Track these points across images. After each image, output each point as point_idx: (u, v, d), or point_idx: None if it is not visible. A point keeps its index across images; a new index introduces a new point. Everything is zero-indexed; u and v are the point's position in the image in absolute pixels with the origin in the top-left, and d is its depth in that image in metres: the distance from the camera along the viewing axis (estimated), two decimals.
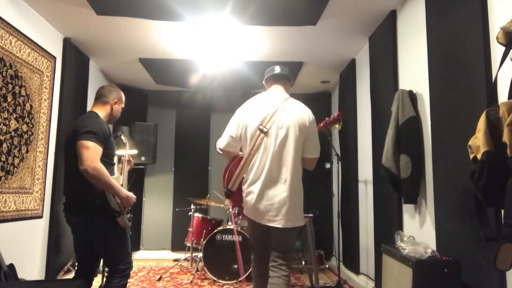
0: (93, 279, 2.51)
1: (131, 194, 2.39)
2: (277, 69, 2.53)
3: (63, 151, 2.48)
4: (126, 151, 2.71)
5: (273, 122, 2.30)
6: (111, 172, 2.37)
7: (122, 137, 2.78)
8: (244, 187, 2.39)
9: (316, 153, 2.40)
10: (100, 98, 2.52)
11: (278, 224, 2.26)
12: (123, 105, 2.63)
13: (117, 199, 2.31)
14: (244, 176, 2.39)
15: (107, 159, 2.34)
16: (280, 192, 2.26)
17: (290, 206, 2.26)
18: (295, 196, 2.29)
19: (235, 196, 2.43)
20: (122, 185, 2.45)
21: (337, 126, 2.93)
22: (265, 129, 2.29)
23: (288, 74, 2.56)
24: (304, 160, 2.38)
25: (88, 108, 4.61)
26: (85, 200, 2.30)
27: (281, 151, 2.28)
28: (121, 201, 2.33)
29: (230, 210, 4.75)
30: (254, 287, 2.53)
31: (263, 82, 2.62)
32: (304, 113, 2.36)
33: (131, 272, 2.48)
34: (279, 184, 2.27)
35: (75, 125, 2.34)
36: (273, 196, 2.26)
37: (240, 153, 2.48)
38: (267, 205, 2.27)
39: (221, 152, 2.53)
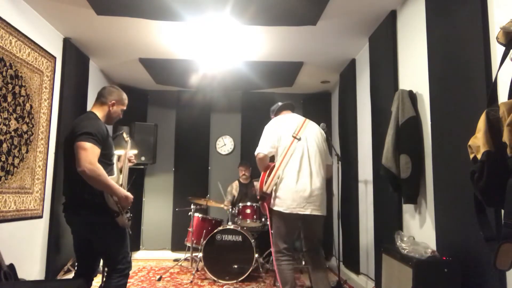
0: (92, 279, 2.51)
1: (129, 194, 2.38)
2: (283, 102, 3.25)
3: (62, 152, 2.48)
4: (127, 150, 2.70)
5: (302, 133, 2.91)
6: (110, 172, 2.37)
7: (124, 135, 2.78)
8: (287, 183, 2.78)
9: (331, 160, 3.11)
10: (99, 98, 2.51)
11: (321, 212, 2.81)
12: (123, 107, 2.58)
13: (115, 198, 2.31)
14: (279, 176, 2.82)
15: (105, 159, 2.34)
16: (320, 185, 2.81)
17: (324, 197, 2.85)
18: (324, 189, 2.87)
19: (270, 198, 2.88)
20: (121, 184, 2.45)
21: None
22: (298, 137, 2.87)
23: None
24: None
25: (88, 108, 4.63)
26: (84, 200, 2.29)
27: (315, 154, 2.87)
28: (119, 201, 2.32)
29: (230, 210, 4.76)
30: (285, 281, 2.75)
31: (273, 115, 3.21)
32: (321, 130, 3.09)
33: (130, 272, 2.48)
34: (319, 178, 2.82)
35: (73, 126, 2.34)
36: (319, 189, 2.79)
37: (271, 163, 2.97)
38: (314, 196, 2.76)
39: (261, 155, 2.93)
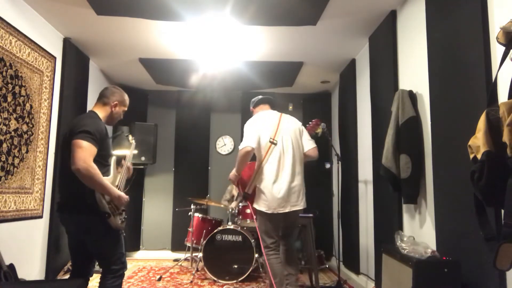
0: (88, 279, 2.49)
1: (123, 195, 2.37)
2: (260, 96, 3.31)
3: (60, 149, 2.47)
4: (131, 152, 2.70)
5: (279, 135, 2.97)
6: (106, 173, 2.34)
7: (130, 137, 2.77)
8: (266, 185, 2.88)
9: (313, 144, 3.12)
10: (101, 98, 2.50)
11: (299, 207, 2.93)
12: (125, 108, 2.59)
13: (107, 200, 2.28)
14: (259, 178, 2.93)
15: (101, 160, 2.31)
16: (298, 183, 2.93)
17: (303, 191, 2.98)
18: (303, 184, 3.00)
19: (252, 197, 3.01)
20: (118, 186, 2.43)
21: (318, 131, 3.30)
22: (274, 141, 2.94)
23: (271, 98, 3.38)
24: (307, 153, 3.08)
25: (89, 108, 4.63)
26: (78, 200, 2.26)
27: (291, 153, 2.94)
28: (113, 201, 2.30)
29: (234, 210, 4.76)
30: (275, 274, 2.89)
31: (252, 108, 3.29)
32: (297, 123, 3.13)
33: (125, 272, 2.45)
34: (296, 176, 2.92)
35: (72, 124, 2.32)
36: (294, 186, 2.90)
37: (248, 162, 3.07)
38: (291, 194, 2.89)
39: (248, 149, 2.92)
